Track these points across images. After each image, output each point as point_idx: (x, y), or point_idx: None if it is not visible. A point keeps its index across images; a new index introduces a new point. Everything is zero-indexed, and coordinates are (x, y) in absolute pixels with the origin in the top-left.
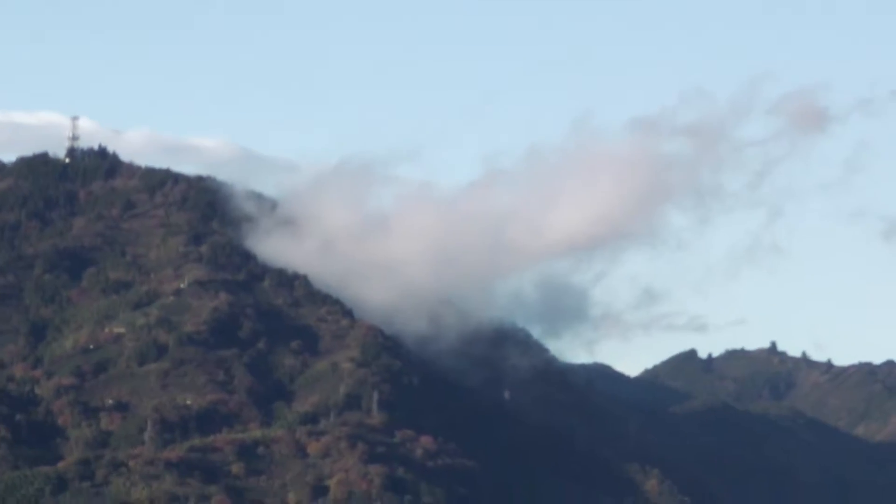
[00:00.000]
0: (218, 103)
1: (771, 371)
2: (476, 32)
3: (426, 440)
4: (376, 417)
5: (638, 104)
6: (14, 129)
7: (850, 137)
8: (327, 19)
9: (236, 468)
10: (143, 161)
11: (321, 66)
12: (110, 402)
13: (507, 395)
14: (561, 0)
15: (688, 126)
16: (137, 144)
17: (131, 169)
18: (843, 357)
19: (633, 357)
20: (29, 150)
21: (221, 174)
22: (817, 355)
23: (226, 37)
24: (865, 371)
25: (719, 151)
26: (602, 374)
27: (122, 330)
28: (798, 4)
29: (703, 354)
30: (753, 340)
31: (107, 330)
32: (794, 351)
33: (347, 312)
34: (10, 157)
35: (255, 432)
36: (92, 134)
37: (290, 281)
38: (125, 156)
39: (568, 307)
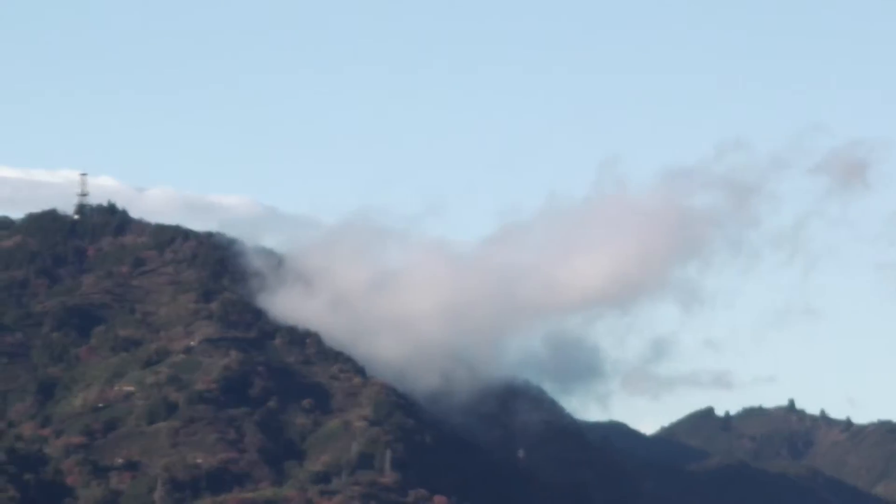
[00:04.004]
0: (240, 160)
1: (789, 429)
2: (500, 78)
3: (440, 500)
4: (389, 476)
5: (671, 154)
6: (32, 187)
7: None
8: (348, 75)
9: None
10: (165, 219)
11: (341, 123)
12: (120, 461)
13: (521, 454)
14: (595, 39)
15: (722, 178)
16: (159, 202)
17: (141, 225)
18: (863, 415)
19: (649, 415)
20: (43, 208)
21: (242, 231)
22: (837, 413)
23: (250, 93)
24: (885, 429)
25: (754, 207)
26: (618, 432)
27: (131, 388)
28: (850, 57)
29: (720, 412)
30: (772, 398)
31: (116, 388)
32: (812, 409)
33: (360, 370)
34: (22, 215)
35: (267, 491)
36: (114, 192)
37: (301, 338)
38: (147, 214)
39: (582, 364)
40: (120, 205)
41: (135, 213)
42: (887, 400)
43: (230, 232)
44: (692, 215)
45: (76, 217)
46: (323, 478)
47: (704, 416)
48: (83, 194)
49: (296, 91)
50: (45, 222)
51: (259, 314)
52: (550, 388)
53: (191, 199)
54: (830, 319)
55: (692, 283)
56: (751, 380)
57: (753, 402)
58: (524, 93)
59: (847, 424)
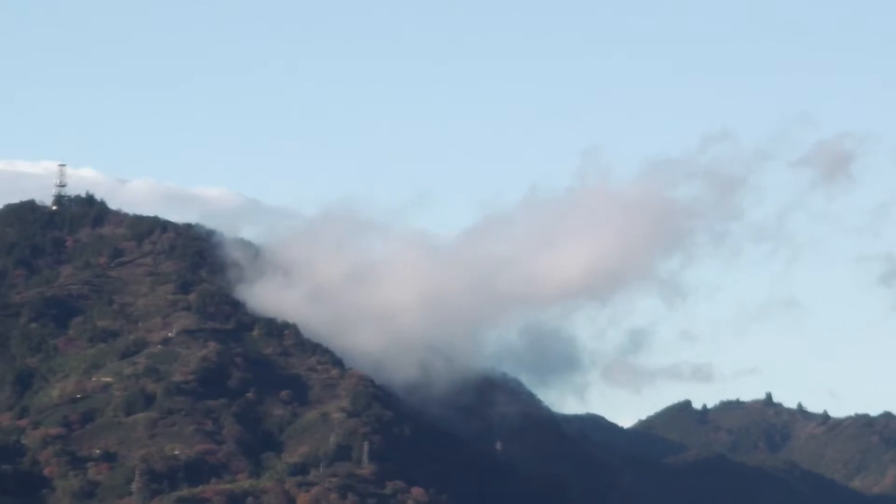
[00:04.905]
0: (223, 152)
1: (766, 422)
2: (482, 70)
3: (417, 492)
4: (367, 468)
5: (655, 145)
6: (13, 178)
7: (878, 187)
8: (330, 69)
9: None
10: (146, 211)
11: (323, 115)
12: (97, 452)
13: (498, 445)
14: (578, 30)
15: (706, 170)
16: (141, 193)
17: (119, 216)
18: (842, 408)
19: (626, 408)
20: (23, 199)
21: (223, 223)
22: (815, 406)
23: (232, 86)
24: (862, 423)
25: (737, 199)
26: (595, 425)
27: (109, 379)
28: (839, 50)
29: (698, 405)
30: (752, 391)
31: (94, 379)
32: (791, 402)
33: (338, 362)
34: (1, 206)
35: (244, 483)
36: (95, 183)
37: (279, 330)
38: (129, 205)
39: (561, 356)
40: (101, 196)
41: (116, 205)
42: (867, 393)
43: (211, 223)
44: (675, 207)
45: (54, 208)
46: (300, 469)
47: (682, 410)
48: (61, 185)
49: (278, 84)
50: (24, 213)
51: (237, 305)
52: (528, 381)
53: (172, 191)
54: (812, 312)
55: (674, 275)
56: (731, 373)
57: (733, 395)
58: (507, 84)
59: (824, 418)
